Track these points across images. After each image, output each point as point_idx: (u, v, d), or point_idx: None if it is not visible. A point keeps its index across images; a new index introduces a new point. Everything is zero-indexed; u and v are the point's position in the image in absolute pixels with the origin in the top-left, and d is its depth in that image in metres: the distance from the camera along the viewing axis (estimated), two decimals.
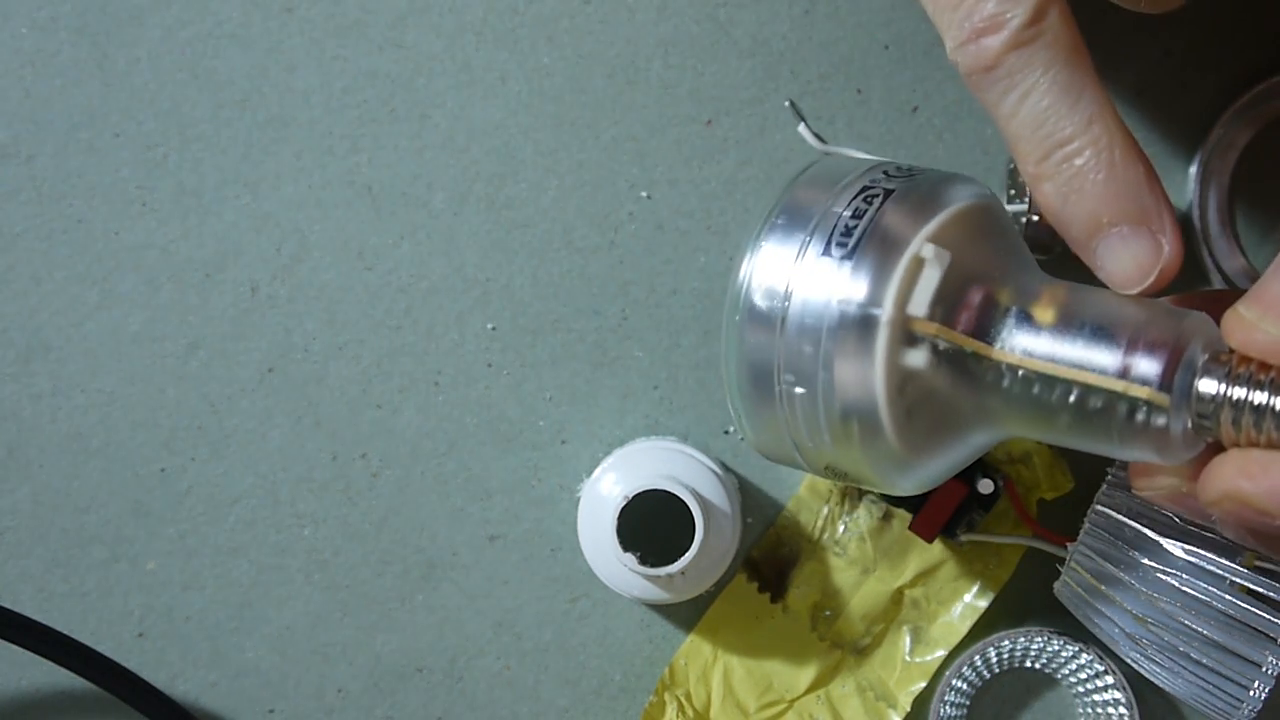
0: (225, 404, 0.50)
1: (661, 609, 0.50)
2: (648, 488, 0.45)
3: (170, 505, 0.50)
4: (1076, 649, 0.48)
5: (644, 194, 0.49)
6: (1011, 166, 0.48)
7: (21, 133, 0.49)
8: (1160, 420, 0.32)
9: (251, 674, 0.50)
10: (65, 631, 0.48)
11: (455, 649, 0.50)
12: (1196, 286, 0.49)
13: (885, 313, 0.33)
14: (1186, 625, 0.41)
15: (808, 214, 0.35)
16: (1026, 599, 0.50)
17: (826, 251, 0.34)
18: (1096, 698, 0.49)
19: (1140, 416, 0.32)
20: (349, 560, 0.50)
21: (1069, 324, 0.33)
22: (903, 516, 0.49)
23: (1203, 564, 0.41)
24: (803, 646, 0.50)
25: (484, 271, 0.49)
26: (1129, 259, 0.35)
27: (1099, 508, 0.44)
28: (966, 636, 0.49)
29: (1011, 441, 0.48)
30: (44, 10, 0.49)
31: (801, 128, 0.49)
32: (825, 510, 0.50)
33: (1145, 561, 0.42)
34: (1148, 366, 0.32)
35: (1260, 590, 0.41)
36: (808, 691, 0.50)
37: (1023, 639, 0.49)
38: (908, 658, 0.50)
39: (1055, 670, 0.50)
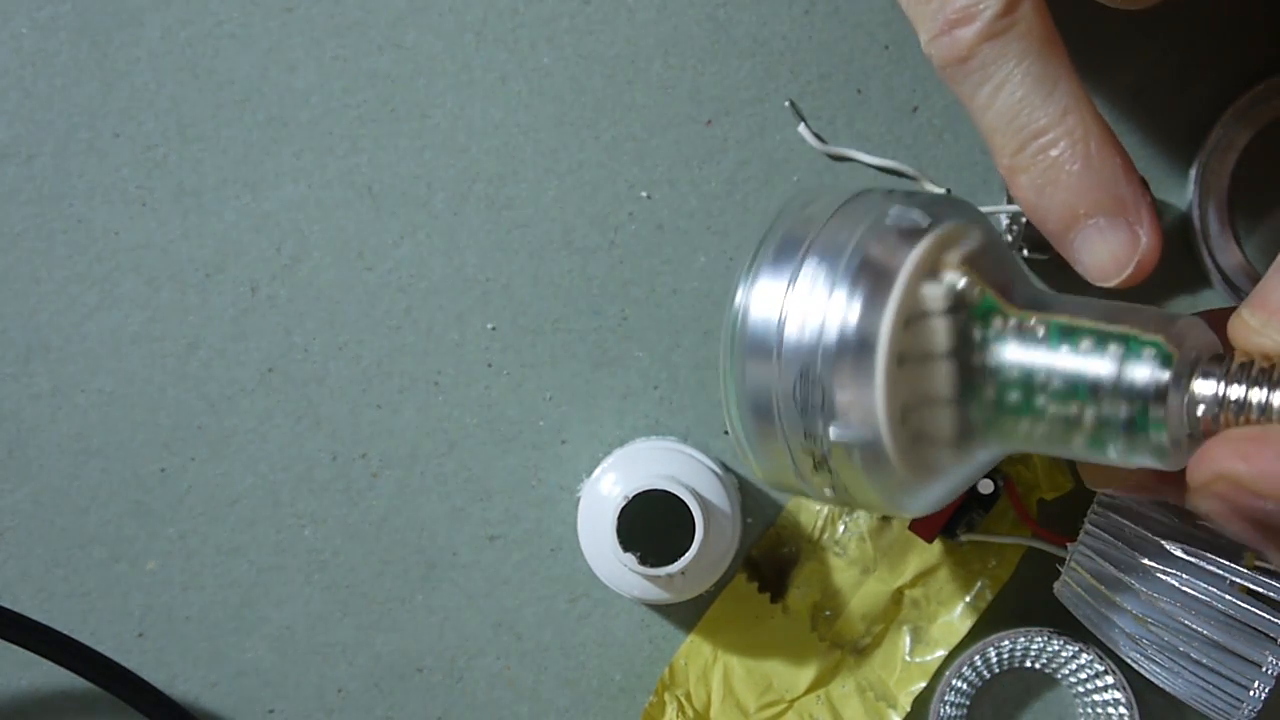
0: (225, 404, 0.50)
1: (661, 609, 0.50)
2: (648, 488, 0.45)
3: (170, 505, 0.50)
4: (1076, 649, 0.48)
5: (644, 194, 0.49)
6: None
7: (21, 133, 0.49)
8: (1159, 425, 0.32)
9: (251, 674, 0.50)
10: (65, 631, 0.48)
11: (455, 649, 0.50)
12: (1196, 287, 0.49)
13: (882, 337, 0.33)
14: (1186, 625, 0.41)
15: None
16: (1026, 599, 0.50)
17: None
18: (1096, 698, 0.49)
19: (1139, 423, 0.32)
20: (349, 560, 0.50)
21: (1062, 334, 0.33)
22: (903, 517, 0.49)
23: (1203, 564, 0.41)
24: (803, 646, 0.50)
25: (484, 271, 0.49)
26: (1106, 251, 0.35)
27: (1099, 508, 0.44)
28: (966, 636, 0.49)
29: None
30: (44, 10, 0.49)
31: (801, 128, 0.49)
32: (825, 510, 0.50)
33: (1145, 562, 0.42)
34: (1143, 373, 0.32)
35: (1260, 590, 0.41)
36: (808, 691, 0.50)
37: (1023, 639, 0.49)
38: (908, 658, 0.50)
39: (1055, 670, 0.50)
